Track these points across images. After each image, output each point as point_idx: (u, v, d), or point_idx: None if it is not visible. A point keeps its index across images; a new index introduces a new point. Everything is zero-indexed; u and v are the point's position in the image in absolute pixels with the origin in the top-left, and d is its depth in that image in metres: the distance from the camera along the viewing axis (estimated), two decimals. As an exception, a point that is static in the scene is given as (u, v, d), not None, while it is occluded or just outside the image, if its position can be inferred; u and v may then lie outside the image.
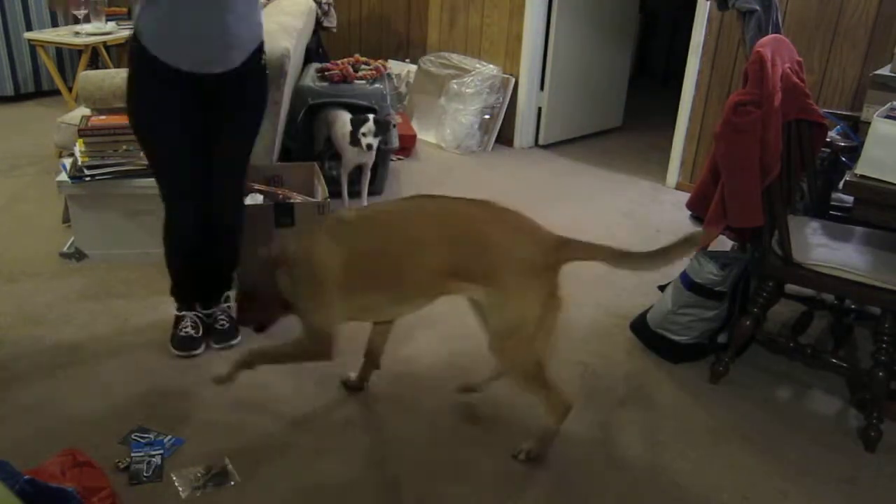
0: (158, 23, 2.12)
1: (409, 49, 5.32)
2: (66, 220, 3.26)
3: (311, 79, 3.91)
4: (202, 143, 2.33)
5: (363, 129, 3.45)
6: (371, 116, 3.48)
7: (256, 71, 2.32)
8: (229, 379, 2.15)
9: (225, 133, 2.35)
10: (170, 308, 2.65)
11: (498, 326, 1.91)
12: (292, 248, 2.00)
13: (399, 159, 4.51)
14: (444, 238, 1.92)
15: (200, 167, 2.35)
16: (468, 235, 1.91)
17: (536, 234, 1.93)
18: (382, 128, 3.50)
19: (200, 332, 2.55)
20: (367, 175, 3.72)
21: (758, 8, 2.61)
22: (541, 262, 1.88)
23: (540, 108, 4.86)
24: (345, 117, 3.64)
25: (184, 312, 2.58)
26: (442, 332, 2.73)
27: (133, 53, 2.20)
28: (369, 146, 3.48)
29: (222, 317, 2.61)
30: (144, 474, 1.98)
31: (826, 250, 2.32)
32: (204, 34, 2.14)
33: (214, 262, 2.59)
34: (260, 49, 2.31)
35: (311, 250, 1.97)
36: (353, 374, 2.38)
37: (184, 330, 2.54)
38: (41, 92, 5.44)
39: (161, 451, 2.05)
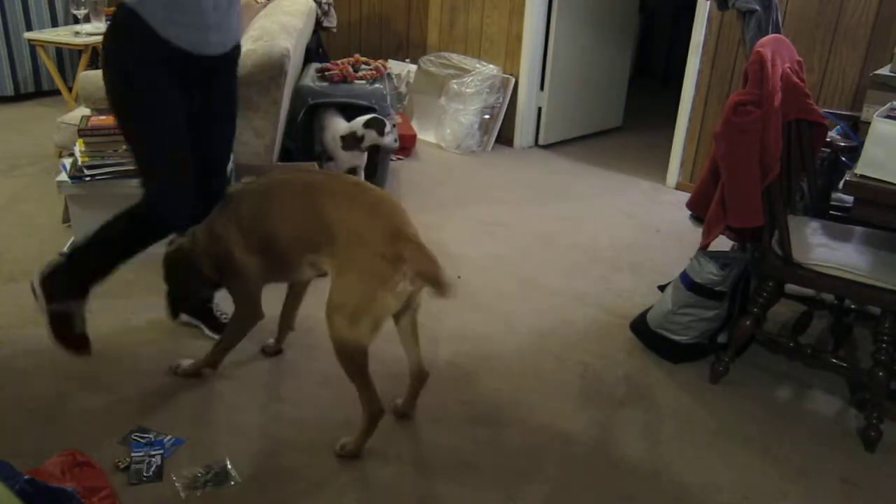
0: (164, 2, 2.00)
1: (409, 49, 5.32)
2: (66, 220, 3.26)
3: (311, 79, 3.91)
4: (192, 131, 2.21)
5: (386, 129, 3.52)
6: (371, 117, 3.53)
7: (237, 54, 2.32)
8: (187, 374, 2.38)
9: (222, 114, 2.34)
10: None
11: (329, 296, 1.98)
12: (200, 234, 2.25)
13: (399, 159, 4.51)
14: (298, 211, 2.07)
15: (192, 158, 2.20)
16: (319, 210, 2.01)
17: (386, 223, 1.94)
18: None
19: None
20: (361, 175, 3.72)
21: (758, 8, 2.62)
22: (376, 250, 1.89)
23: (540, 108, 4.86)
24: (338, 121, 3.65)
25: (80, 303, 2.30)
26: (441, 332, 2.74)
27: (127, 30, 2.02)
28: (396, 140, 3.60)
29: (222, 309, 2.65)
30: (144, 474, 1.98)
31: (826, 250, 2.32)
32: (210, 12, 2.06)
33: None
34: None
35: (211, 229, 2.22)
36: (271, 341, 2.56)
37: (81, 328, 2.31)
38: (41, 92, 5.44)
39: (161, 451, 2.05)
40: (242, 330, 2.35)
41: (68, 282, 2.27)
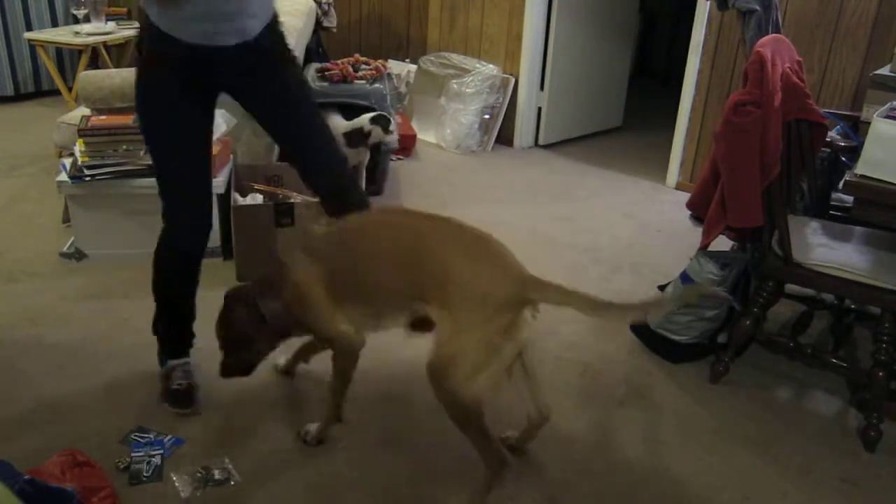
0: None
1: (409, 49, 5.32)
2: (66, 220, 3.26)
3: (311, 79, 3.91)
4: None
5: (391, 127, 3.54)
6: (377, 114, 3.55)
7: (269, 43, 2.04)
8: (319, 439, 2.12)
9: (284, 108, 2.11)
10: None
11: (439, 349, 1.79)
12: (274, 276, 2.01)
13: (399, 159, 4.51)
14: (403, 259, 1.86)
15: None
16: (427, 259, 1.82)
17: (501, 268, 1.79)
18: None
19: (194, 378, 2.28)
20: (363, 173, 3.72)
21: (758, 8, 2.61)
22: (498, 298, 1.73)
23: (540, 108, 4.86)
24: (337, 119, 3.65)
25: (174, 362, 2.29)
26: (442, 332, 2.74)
27: (147, 35, 1.95)
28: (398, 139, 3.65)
29: None
30: (144, 474, 1.98)
31: (826, 250, 2.32)
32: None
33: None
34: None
35: (291, 272, 1.98)
36: (282, 360, 2.41)
37: (177, 382, 2.24)
38: (41, 92, 5.44)
39: (161, 451, 2.05)
40: (344, 372, 2.07)
41: (166, 349, 2.33)
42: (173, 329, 2.30)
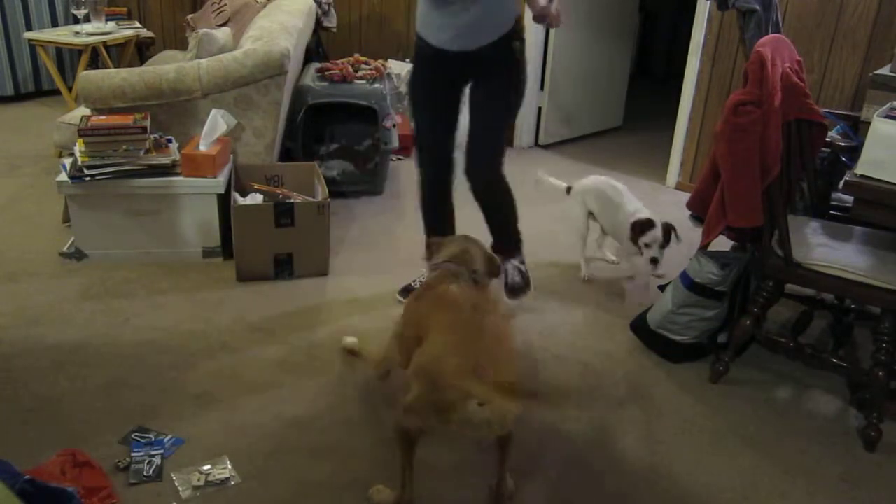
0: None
1: (409, 49, 5.31)
2: (66, 220, 3.26)
3: (311, 78, 3.92)
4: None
5: (646, 239, 2.87)
6: (658, 223, 2.88)
7: (496, 53, 2.58)
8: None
9: (480, 102, 2.68)
10: (170, 308, 2.64)
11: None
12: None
13: (399, 159, 4.51)
14: (422, 324, 1.93)
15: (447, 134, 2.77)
16: (425, 327, 1.90)
17: (455, 352, 1.75)
18: (668, 238, 2.90)
19: None
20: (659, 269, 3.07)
21: (758, 8, 2.62)
22: (430, 374, 1.75)
23: (540, 108, 4.86)
24: (626, 210, 3.02)
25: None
26: (442, 332, 2.74)
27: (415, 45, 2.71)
28: (654, 260, 2.87)
29: (513, 272, 2.91)
30: (144, 474, 1.98)
31: (826, 250, 2.32)
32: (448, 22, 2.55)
33: (486, 213, 2.87)
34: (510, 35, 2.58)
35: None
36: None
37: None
38: (41, 92, 5.44)
39: (161, 451, 2.05)
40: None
41: None
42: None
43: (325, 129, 3.92)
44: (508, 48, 2.59)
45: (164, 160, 3.01)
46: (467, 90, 2.71)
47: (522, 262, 2.98)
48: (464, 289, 2.01)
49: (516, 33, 2.59)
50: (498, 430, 1.78)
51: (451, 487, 2.01)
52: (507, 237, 2.94)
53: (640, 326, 2.74)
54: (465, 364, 1.70)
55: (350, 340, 2.57)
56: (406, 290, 2.95)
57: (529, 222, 3.73)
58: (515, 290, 2.93)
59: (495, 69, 2.62)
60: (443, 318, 1.89)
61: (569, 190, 3.28)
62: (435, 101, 2.73)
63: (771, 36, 2.26)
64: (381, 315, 2.82)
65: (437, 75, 2.69)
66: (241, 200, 3.04)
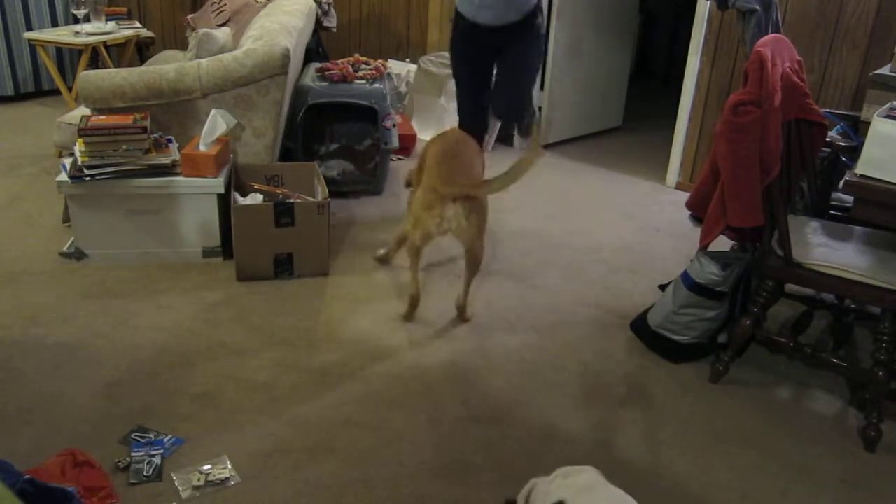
0: None
1: (409, 49, 5.32)
2: (66, 220, 3.26)
3: (311, 78, 3.91)
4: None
5: None
6: None
7: (521, 28, 3.28)
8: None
9: (505, 69, 3.41)
10: (170, 308, 2.63)
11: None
12: None
13: (399, 159, 4.51)
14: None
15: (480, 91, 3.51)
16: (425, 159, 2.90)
17: (441, 171, 2.65)
18: None
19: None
20: None
21: (758, 8, 2.62)
22: (428, 186, 2.64)
23: (540, 108, 4.85)
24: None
25: None
26: (443, 333, 2.74)
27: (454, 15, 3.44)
28: None
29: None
30: (144, 474, 1.98)
31: (826, 250, 2.32)
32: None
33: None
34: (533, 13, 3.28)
35: None
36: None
37: None
38: (41, 92, 5.44)
39: (161, 451, 2.05)
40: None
41: None
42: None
43: (325, 129, 3.91)
44: (531, 24, 3.28)
45: (164, 160, 3.01)
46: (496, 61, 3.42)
47: (532, 115, 3.88)
48: (455, 131, 3.05)
49: (539, 10, 3.29)
50: (465, 228, 2.59)
51: (445, 486, 2.01)
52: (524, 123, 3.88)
53: (640, 326, 2.74)
54: (445, 178, 2.59)
55: (381, 252, 3.22)
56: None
57: (527, 222, 3.74)
58: (522, 130, 4.05)
59: (518, 39, 3.30)
60: (436, 149, 2.78)
61: None
62: (472, 66, 3.44)
63: (771, 36, 2.26)
64: (382, 315, 2.82)
65: (473, 44, 3.38)
66: (241, 200, 3.04)
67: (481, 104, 3.54)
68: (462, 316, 2.82)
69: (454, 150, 2.75)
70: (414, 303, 2.78)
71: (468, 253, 2.72)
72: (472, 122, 3.53)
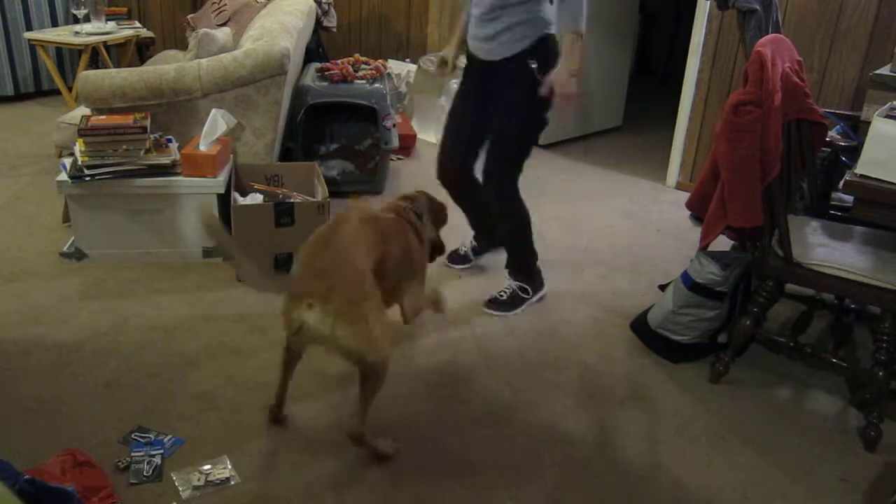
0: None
1: (409, 49, 5.32)
2: (66, 219, 3.26)
3: (311, 78, 3.92)
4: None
5: None
6: None
7: (511, 67, 2.64)
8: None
9: (492, 112, 2.77)
10: (170, 308, 2.63)
11: None
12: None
13: (399, 159, 4.51)
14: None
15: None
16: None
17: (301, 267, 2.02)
18: None
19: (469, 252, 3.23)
20: None
21: (758, 8, 2.62)
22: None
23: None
24: None
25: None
26: (443, 333, 2.74)
27: None
28: None
29: (505, 289, 2.92)
30: (144, 474, 1.98)
31: (826, 250, 2.32)
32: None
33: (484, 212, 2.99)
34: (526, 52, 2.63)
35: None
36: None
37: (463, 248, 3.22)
38: (41, 92, 5.44)
39: (161, 451, 2.05)
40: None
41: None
42: (477, 230, 3.26)
43: (325, 129, 3.91)
44: (524, 65, 2.60)
45: (164, 160, 3.01)
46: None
47: (523, 289, 2.92)
48: (358, 209, 2.19)
49: (538, 52, 2.61)
50: (334, 339, 1.89)
51: (445, 486, 2.01)
52: (511, 256, 2.96)
53: (640, 326, 2.74)
54: (302, 273, 1.96)
55: None
56: (453, 256, 3.23)
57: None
58: (493, 303, 2.90)
59: (509, 85, 2.66)
60: (315, 234, 2.08)
61: None
62: (456, 109, 2.93)
63: (771, 36, 2.26)
64: (381, 315, 2.82)
65: (468, 82, 2.86)
66: (241, 200, 3.04)
67: (459, 154, 2.93)
68: (355, 443, 2.04)
69: (328, 236, 2.02)
70: (272, 411, 2.20)
71: (358, 368, 1.99)
72: (442, 167, 2.98)
